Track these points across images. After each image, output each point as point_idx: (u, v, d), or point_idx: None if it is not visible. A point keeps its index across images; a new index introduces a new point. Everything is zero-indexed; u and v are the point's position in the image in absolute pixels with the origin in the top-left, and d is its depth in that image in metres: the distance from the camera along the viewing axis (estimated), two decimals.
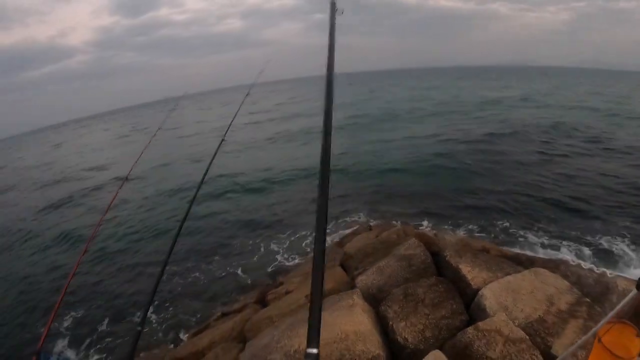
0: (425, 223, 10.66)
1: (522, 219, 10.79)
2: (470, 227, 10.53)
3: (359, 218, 12.17)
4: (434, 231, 7.50)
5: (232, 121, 4.61)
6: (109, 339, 9.04)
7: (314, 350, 0.89)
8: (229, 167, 21.71)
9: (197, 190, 3.59)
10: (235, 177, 20.20)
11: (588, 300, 4.81)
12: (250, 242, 12.50)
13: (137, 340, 2.23)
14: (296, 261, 10.41)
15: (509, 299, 4.80)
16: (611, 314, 2.20)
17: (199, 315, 9.16)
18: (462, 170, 15.94)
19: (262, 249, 11.88)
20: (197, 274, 11.32)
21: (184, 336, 8.36)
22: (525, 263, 6.05)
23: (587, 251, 8.75)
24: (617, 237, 9.39)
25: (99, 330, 9.47)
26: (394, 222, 10.48)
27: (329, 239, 10.89)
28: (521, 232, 9.95)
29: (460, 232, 10.05)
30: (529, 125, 23.64)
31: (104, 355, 8.58)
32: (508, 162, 16.49)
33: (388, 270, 6.03)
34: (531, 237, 9.58)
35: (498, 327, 4.32)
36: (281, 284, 8.28)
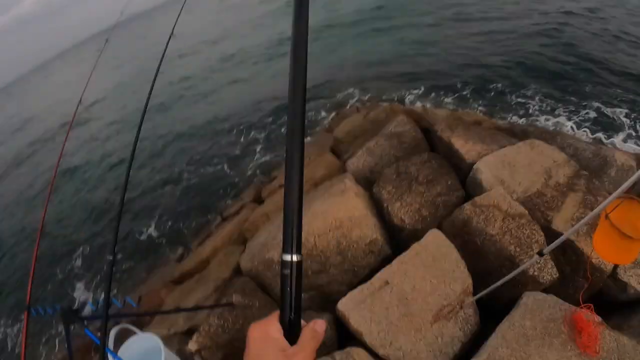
0: (412, 97, 10.37)
1: (514, 85, 10.43)
2: (461, 96, 10.25)
3: (345, 98, 11.82)
4: (423, 104, 7.15)
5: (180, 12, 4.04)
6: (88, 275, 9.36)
7: (288, 257, 0.80)
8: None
9: (147, 103, 3.32)
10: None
11: (586, 173, 4.65)
12: (230, 139, 12.37)
13: (112, 269, 2.32)
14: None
15: (506, 172, 4.63)
16: (619, 190, 2.00)
17: (200, 225, 9.17)
18: (451, 37, 15.17)
19: (243, 142, 11.73)
20: (187, 183, 11.38)
21: (190, 247, 8.33)
22: (519, 135, 5.83)
23: (585, 119, 8.53)
24: (618, 104, 9.10)
25: (77, 271, 9.79)
26: (382, 101, 10.16)
27: (316, 128, 10.69)
28: (514, 99, 9.66)
29: (450, 105, 9.80)
30: None
31: (89, 292, 8.92)
32: (496, 23, 15.65)
33: (378, 149, 5.80)
34: (525, 104, 9.31)
35: (496, 201, 4.19)
36: (274, 178, 8.17)
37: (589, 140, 6.96)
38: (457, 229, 4.20)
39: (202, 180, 11.24)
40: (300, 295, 0.82)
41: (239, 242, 6.36)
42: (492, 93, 10.35)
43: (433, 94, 10.39)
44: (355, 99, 11.58)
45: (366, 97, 11.43)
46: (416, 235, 4.20)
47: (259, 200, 7.76)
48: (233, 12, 43.99)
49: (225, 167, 11.35)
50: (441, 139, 5.53)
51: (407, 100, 10.20)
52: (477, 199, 4.26)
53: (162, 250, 9.12)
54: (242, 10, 40.76)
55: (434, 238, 4.01)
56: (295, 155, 0.83)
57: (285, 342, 0.80)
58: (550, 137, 5.58)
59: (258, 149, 11.44)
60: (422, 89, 10.80)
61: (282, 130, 11.39)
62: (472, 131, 5.60)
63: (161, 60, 3.56)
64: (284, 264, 0.81)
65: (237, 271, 5.38)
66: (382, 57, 14.70)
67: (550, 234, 4.03)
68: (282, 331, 0.81)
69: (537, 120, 8.41)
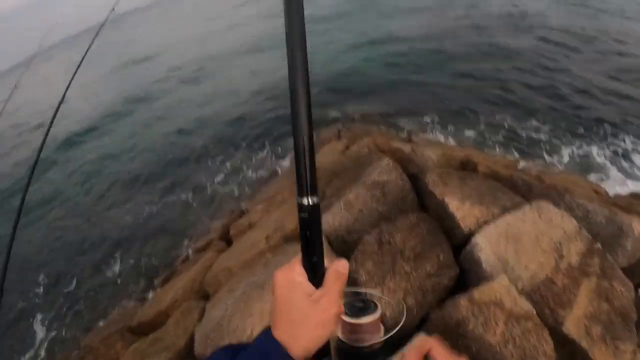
0: (400, 120, 9.60)
1: (512, 110, 9.71)
2: (454, 122, 9.51)
3: (325, 113, 11.00)
4: (410, 144, 6.32)
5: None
6: None
7: (304, 200, 0.82)
8: None
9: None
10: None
11: (599, 247, 3.90)
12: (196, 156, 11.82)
13: None
14: (261, 173, 9.36)
15: (510, 249, 3.84)
16: None
17: (165, 258, 8.61)
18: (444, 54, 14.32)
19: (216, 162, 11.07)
20: (153, 207, 10.63)
21: (155, 283, 7.82)
22: (521, 188, 5.00)
23: (594, 162, 7.80)
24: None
25: None
26: (366, 126, 9.33)
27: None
28: (512, 129, 8.94)
29: (440, 131, 9.03)
30: None
31: None
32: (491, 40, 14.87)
33: (358, 203, 4.94)
34: (525, 136, 8.58)
35: (499, 297, 3.39)
36: (244, 213, 7.52)
37: (602, 193, 6.15)
38: (450, 329, 3.38)
39: (171, 203, 10.50)
40: (321, 237, 0.86)
41: (199, 296, 5.66)
42: (490, 118, 9.61)
43: (423, 119, 9.67)
44: (337, 117, 10.74)
45: (350, 115, 10.60)
46: (400, 335, 3.38)
47: (226, 237, 7.04)
48: None
49: (193, 189, 10.62)
50: (432, 195, 4.71)
51: (392, 123, 9.50)
52: (475, 293, 3.45)
53: (125, 284, 8.50)
54: None
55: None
56: (300, 91, 0.81)
57: (310, 286, 0.83)
58: (558, 193, 4.76)
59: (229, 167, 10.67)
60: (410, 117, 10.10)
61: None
62: (469, 185, 4.78)
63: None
64: (300, 207, 0.82)
65: (191, 344, 4.48)
66: (374, 70, 13.88)
67: (561, 339, 3.27)
68: (305, 275, 0.84)
69: (538, 156, 7.71)
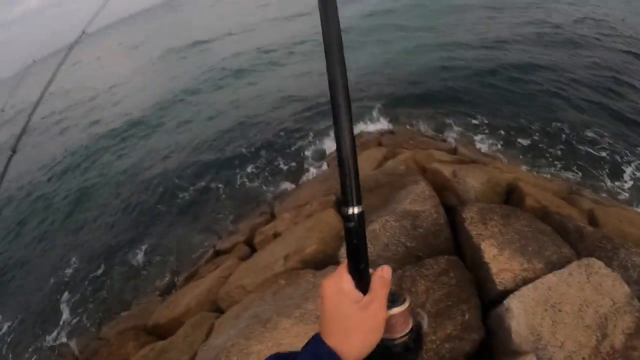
0: (447, 131, 8.98)
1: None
2: (503, 130, 8.83)
3: (365, 115, 10.46)
4: (452, 164, 5.74)
5: None
6: None
7: (350, 210, 0.85)
8: None
9: None
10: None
11: None
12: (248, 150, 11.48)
13: None
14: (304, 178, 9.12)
15: (547, 321, 3.32)
16: None
17: (191, 253, 8.63)
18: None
19: (261, 160, 10.85)
20: (189, 195, 10.75)
21: (178, 280, 7.88)
22: (572, 234, 4.41)
23: None
24: None
25: None
26: (408, 134, 8.76)
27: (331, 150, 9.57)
28: (575, 147, 8.22)
29: (487, 142, 8.40)
30: None
31: None
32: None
33: (385, 235, 4.49)
34: (588, 156, 7.87)
35: None
36: (272, 218, 7.34)
37: None
38: None
39: (204, 198, 10.42)
40: (366, 245, 0.88)
41: (212, 308, 5.58)
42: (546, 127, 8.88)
43: (470, 132, 9.03)
44: (377, 124, 10.18)
45: (389, 123, 10.08)
46: None
47: (251, 242, 6.89)
48: None
49: (232, 183, 10.49)
50: (469, 236, 4.21)
51: (436, 135, 8.90)
52: None
53: (149, 277, 8.61)
54: None
55: None
56: (342, 106, 0.83)
57: (357, 293, 0.86)
58: (612, 247, 4.15)
59: (269, 169, 10.42)
60: (460, 123, 9.44)
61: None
62: (512, 227, 4.23)
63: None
64: (347, 217, 0.85)
65: None
66: (423, 70, 13.16)
67: None
68: (353, 282, 0.86)
69: (599, 185, 7.02)
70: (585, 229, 4.41)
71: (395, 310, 0.93)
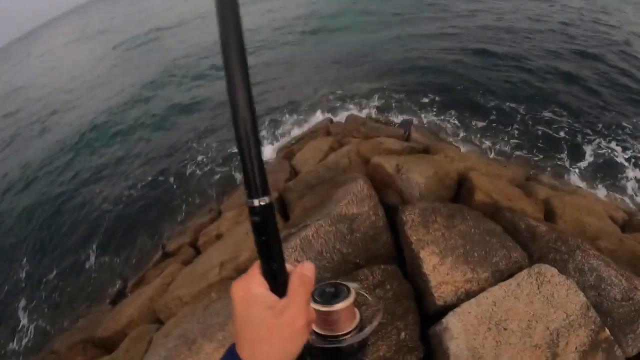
0: (396, 114, 8.54)
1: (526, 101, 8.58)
2: (462, 120, 8.45)
3: (318, 104, 9.97)
4: (397, 159, 5.25)
5: None
6: None
7: (255, 202, 0.75)
8: None
9: None
10: None
11: (608, 336, 3.02)
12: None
13: None
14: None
15: (490, 342, 2.93)
16: None
17: (140, 255, 8.44)
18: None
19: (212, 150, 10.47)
20: (139, 192, 10.40)
21: (127, 286, 7.58)
22: (524, 234, 4.01)
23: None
24: None
25: None
26: (359, 120, 8.27)
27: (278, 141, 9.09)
28: (534, 129, 7.88)
29: (442, 132, 7.99)
30: None
31: None
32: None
33: (318, 242, 4.02)
34: (551, 138, 7.54)
35: None
36: (215, 218, 7.15)
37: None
38: None
39: (154, 194, 10.05)
40: (279, 241, 0.78)
41: (152, 319, 5.41)
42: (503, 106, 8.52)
43: (425, 114, 8.61)
44: (327, 110, 9.69)
45: (342, 109, 9.55)
46: None
47: (196, 243, 6.68)
48: None
49: (174, 183, 10.02)
50: (408, 242, 3.77)
51: (387, 120, 8.48)
52: None
53: (100, 283, 8.41)
54: None
55: None
56: (238, 77, 0.72)
57: (272, 296, 0.76)
58: (567, 249, 3.75)
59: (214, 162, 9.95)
60: (414, 104, 9.00)
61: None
62: (457, 229, 3.81)
63: None
64: (252, 210, 0.75)
65: None
66: (375, 55, 12.68)
67: None
68: (266, 284, 0.77)
69: (557, 167, 6.69)
70: (538, 228, 4.00)
71: (338, 306, 0.90)
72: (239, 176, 8.86)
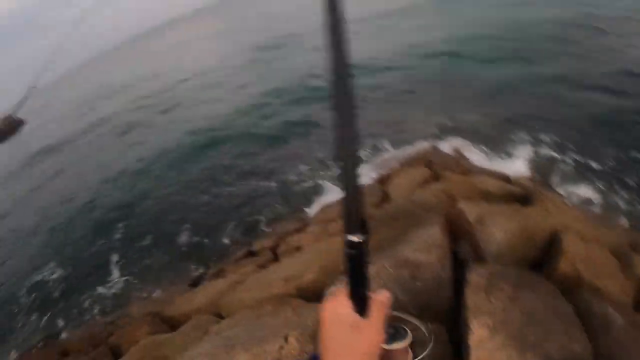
0: (506, 159, 8.05)
1: None
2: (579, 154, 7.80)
3: (422, 132, 9.73)
4: (484, 207, 4.99)
5: None
6: None
7: (353, 238, 0.82)
8: None
9: None
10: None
11: None
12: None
13: None
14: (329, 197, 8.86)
15: None
16: None
17: (228, 247, 8.90)
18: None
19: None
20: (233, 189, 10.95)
21: (208, 273, 8.11)
22: (596, 323, 3.68)
23: None
24: None
25: None
26: (463, 152, 7.96)
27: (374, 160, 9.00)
28: None
29: (548, 177, 7.43)
30: None
31: None
32: None
33: (378, 282, 4.01)
34: None
35: None
36: (300, 229, 7.39)
37: None
38: None
39: (250, 195, 10.56)
40: (367, 272, 0.87)
41: (215, 312, 5.69)
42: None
43: (535, 152, 8.08)
44: (433, 138, 9.41)
45: (448, 139, 9.28)
46: None
47: (276, 250, 7.10)
48: None
49: (274, 187, 10.56)
50: (464, 304, 3.65)
51: (494, 155, 8.05)
52: None
53: (186, 262, 9.04)
54: None
55: None
56: (346, 129, 0.81)
57: (355, 316, 0.85)
58: None
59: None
60: (526, 140, 8.50)
61: None
62: (519, 304, 3.60)
63: None
64: (349, 244, 0.83)
65: None
66: (499, 89, 11.91)
67: None
68: (351, 306, 0.85)
69: None
70: (616, 320, 3.66)
71: (396, 345, 0.93)
72: (332, 193, 9.00)
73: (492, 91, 11.38)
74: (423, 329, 1.16)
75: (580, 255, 4.55)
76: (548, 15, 16.88)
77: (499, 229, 4.52)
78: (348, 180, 0.82)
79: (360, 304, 0.86)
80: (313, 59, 20.04)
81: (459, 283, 4.07)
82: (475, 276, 3.81)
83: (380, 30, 23.29)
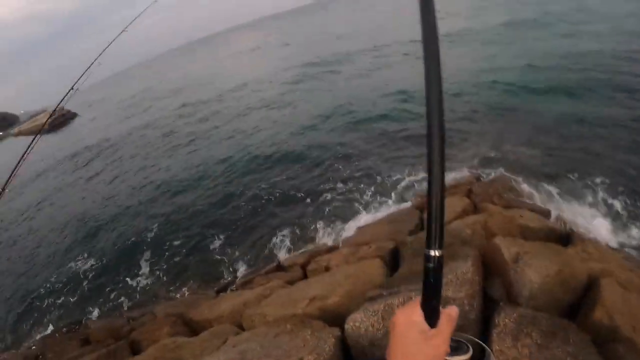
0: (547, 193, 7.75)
1: None
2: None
3: (473, 158, 9.57)
4: (523, 245, 4.84)
5: None
6: None
7: (433, 252, 0.91)
8: None
9: None
10: None
11: None
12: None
13: None
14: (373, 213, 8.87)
15: None
16: None
17: (259, 259, 8.92)
18: None
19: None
20: (281, 198, 11.09)
21: (235, 282, 8.06)
22: None
23: None
24: None
25: None
26: (507, 183, 7.73)
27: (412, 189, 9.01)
28: None
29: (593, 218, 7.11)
30: None
31: None
32: None
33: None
34: None
35: None
36: (332, 249, 7.35)
37: None
38: None
39: (286, 210, 10.59)
40: (441, 284, 0.93)
41: (236, 322, 5.71)
42: None
43: (582, 188, 7.77)
44: (478, 166, 9.19)
45: (494, 169, 9.04)
46: None
47: (306, 267, 7.03)
48: None
49: (313, 203, 10.50)
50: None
51: (538, 189, 7.80)
52: None
53: (215, 269, 9.12)
54: None
55: None
56: (436, 153, 0.89)
57: (426, 325, 0.92)
58: None
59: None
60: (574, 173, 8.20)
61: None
62: (548, 354, 3.47)
63: None
64: (428, 258, 0.91)
65: None
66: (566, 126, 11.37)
67: None
68: (423, 315, 0.92)
69: None
70: None
71: (457, 358, 0.98)
72: (367, 216, 8.96)
73: (547, 126, 10.97)
74: (485, 346, 1.15)
75: (618, 305, 4.35)
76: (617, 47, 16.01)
77: (534, 271, 4.35)
78: (434, 197, 0.89)
79: (432, 315, 0.92)
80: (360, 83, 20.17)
81: (486, 323, 3.96)
82: (504, 319, 3.69)
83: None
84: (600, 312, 4.19)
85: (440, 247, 0.90)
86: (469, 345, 1.03)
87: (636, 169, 8.29)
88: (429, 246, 0.90)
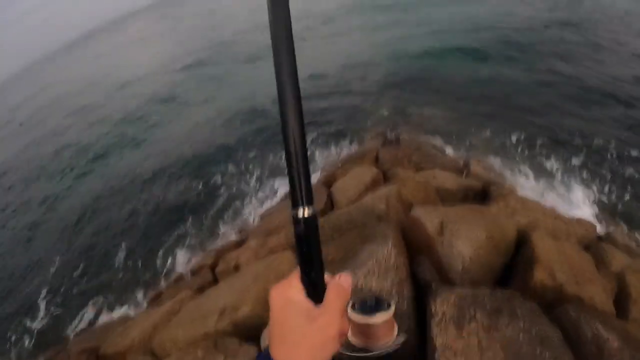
0: (455, 148, 7.50)
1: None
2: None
3: (372, 127, 9.12)
4: (443, 214, 4.32)
5: None
6: None
7: (299, 212, 0.75)
8: None
9: None
10: None
11: None
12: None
13: None
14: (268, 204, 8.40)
15: None
16: None
17: (165, 267, 8.15)
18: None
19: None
20: (179, 195, 10.38)
21: (145, 299, 7.40)
22: (588, 350, 3.05)
23: None
24: None
25: None
26: (414, 144, 7.31)
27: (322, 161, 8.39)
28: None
29: (510, 166, 6.91)
30: None
31: None
32: None
33: None
34: None
35: None
36: (240, 243, 6.67)
37: None
38: None
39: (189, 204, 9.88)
40: (320, 251, 0.78)
41: (148, 350, 4.97)
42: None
43: (492, 138, 7.59)
44: (383, 131, 8.76)
45: (400, 132, 8.58)
46: None
47: (215, 269, 6.23)
48: None
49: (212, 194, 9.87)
50: (431, 345, 2.95)
51: (447, 144, 7.52)
52: None
53: (124, 287, 8.28)
54: None
55: None
56: (289, 96, 0.75)
57: (308, 303, 0.76)
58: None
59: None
60: (480, 125, 7.98)
61: None
62: (499, 336, 2.93)
63: None
64: (295, 220, 0.75)
65: None
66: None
67: None
68: (303, 291, 0.77)
69: None
70: (608, 342, 3.03)
71: (378, 318, 0.88)
72: (268, 201, 8.49)
73: (451, 89, 10.90)
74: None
75: (554, 258, 3.95)
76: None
77: (464, 242, 3.84)
78: (291, 146, 0.74)
79: (315, 289, 0.77)
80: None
81: (421, 312, 3.38)
82: (442, 305, 3.11)
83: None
84: (539, 272, 3.79)
85: (309, 203, 0.74)
86: (389, 301, 0.90)
87: (542, 122, 8.31)
88: (295, 204, 0.74)
